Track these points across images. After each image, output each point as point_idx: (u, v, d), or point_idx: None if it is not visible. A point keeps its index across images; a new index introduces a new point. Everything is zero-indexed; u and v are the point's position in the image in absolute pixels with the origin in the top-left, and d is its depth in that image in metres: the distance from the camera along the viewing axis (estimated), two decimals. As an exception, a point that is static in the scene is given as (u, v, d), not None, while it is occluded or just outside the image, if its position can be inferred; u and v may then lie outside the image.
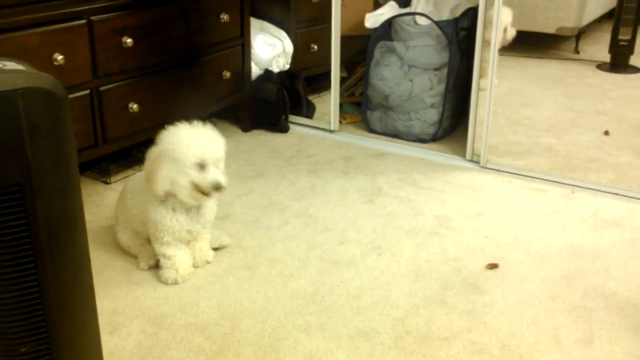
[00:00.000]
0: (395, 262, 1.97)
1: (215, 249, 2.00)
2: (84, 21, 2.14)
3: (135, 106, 2.36)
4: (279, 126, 2.97)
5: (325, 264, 1.96)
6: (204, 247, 1.92)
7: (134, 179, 1.94)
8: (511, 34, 2.84)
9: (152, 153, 1.75)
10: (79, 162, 2.24)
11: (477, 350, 1.59)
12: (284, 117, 2.98)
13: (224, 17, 2.68)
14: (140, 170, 2.45)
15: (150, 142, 2.57)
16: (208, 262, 1.94)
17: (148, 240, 1.90)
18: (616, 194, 2.40)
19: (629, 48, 3.97)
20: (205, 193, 1.73)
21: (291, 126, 3.02)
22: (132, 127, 2.39)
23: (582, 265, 1.96)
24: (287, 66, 3.14)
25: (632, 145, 2.85)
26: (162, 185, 1.72)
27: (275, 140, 2.90)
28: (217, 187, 1.72)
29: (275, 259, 1.98)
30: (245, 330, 1.66)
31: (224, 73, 2.75)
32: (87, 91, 2.21)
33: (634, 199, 2.36)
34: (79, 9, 2.13)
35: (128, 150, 2.53)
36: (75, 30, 2.12)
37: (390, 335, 1.64)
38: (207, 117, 2.89)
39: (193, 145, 1.70)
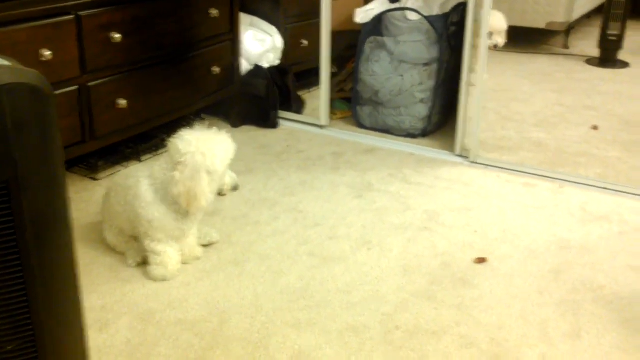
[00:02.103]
0: (385, 257, 1.97)
1: (205, 246, 1.99)
2: (72, 16, 2.13)
3: (123, 102, 2.35)
4: (269, 122, 2.97)
5: (315, 260, 1.96)
6: (192, 243, 1.92)
7: (118, 176, 1.93)
8: (502, 40, 2.85)
9: (185, 169, 1.70)
10: (67, 158, 2.24)
11: (465, 344, 1.60)
12: (273, 112, 2.97)
13: (214, 12, 2.67)
14: (128, 166, 2.44)
15: (139, 138, 2.58)
16: (197, 258, 1.94)
17: (134, 238, 1.89)
18: (604, 188, 2.41)
19: (618, 43, 3.99)
20: (221, 194, 1.81)
21: (281, 122, 3.02)
22: (120, 123, 2.38)
23: (570, 259, 1.97)
24: (277, 62, 3.13)
25: (620, 140, 2.86)
26: (206, 199, 1.73)
27: (265, 136, 2.89)
28: (236, 188, 1.82)
29: (264, 254, 1.98)
30: (235, 327, 1.66)
31: (213, 69, 2.75)
32: (75, 87, 2.20)
33: (622, 193, 2.37)
34: (67, 4, 2.11)
35: (117, 147, 2.52)
36: (63, 25, 2.11)
37: (379, 330, 1.65)
38: (196, 113, 2.88)
39: (219, 154, 1.72)
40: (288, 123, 3.02)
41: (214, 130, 1.77)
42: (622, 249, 2.02)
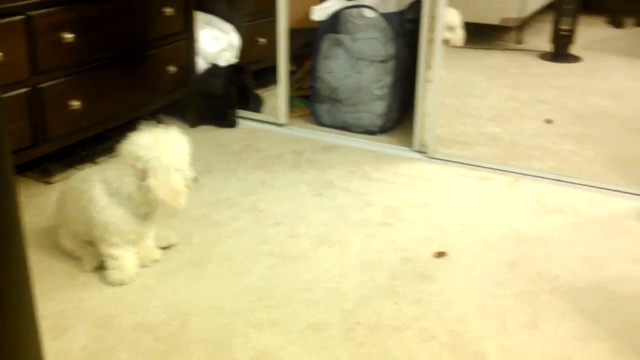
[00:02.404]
0: (345, 254, 1.98)
1: (164, 248, 1.97)
2: (22, 17, 2.07)
3: (77, 103, 2.30)
4: (227, 121, 2.95)
5: (275, 259, 1.95)
6: (150, 246, 1.89)
7: (73, 179, 1.89)
8: (459, 35, 2.89)
9: (158, 174, 1.69)
10: (19, 162, 2.18)
11: (426, 338, 1.62)
12: (231, 111, 2.95)
13: (168, 10, 2.64)
14: (83, 168, 2.39)
15: (94, 139, 2.52)
16: (156, 261, 1.91)
17: (90, 243, 1.86)
18: (558, 180, 2.46)
19: (570, 38, 4.08)
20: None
21: (240, 121, 3.00)
22: (74, 125, 2.33)
23: (527, 250, 2.01)
24: (235, 60, 3.11)
25: (573, 132, 2.93)
26: (184, 197, 1.72)
27: (224, 136, 2.87)
28: (196, 179, 1.80)
29: (224, 255, 1.96)
30: (195, 329, 1.64)
31: (168, 68, 2.71)
32: (26, 89, 2.14)
33: (575, 185, 2.43)
34: (17, 4, 2.06)
35: (71, 149, 2.46)
36: (13, 25, 2.05)
37: (340, 327, 1.65)
38: (152, 113, 2.84)
39: (179, 151, 1.73)
40: (247, 122, 3.01)
41: (163, 129, 1.76)
42: (576, 239, 2.07)
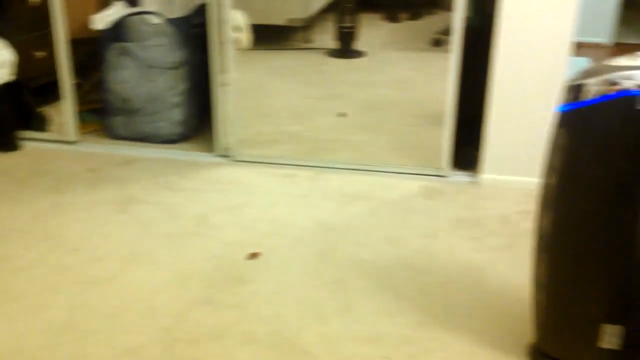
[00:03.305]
0: (157, 270, 1.90)
1: (-55, 294, 1.74)
2: None
3: None
4: (8, 144, 2.68)
5: (79, 287, 1.82)
6: None
7: None
8: (246, 37, 2.91)
9: None
10: None
11: (247, 341, 1.61)
12: (12, 133, 2.69)
13: None
14: None
15: None
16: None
17: None
18: (356, 169, 2.60)
19: (353, 34, 4.33)
20: None
21: (23, 142, 2.74)
22: None
23: (334, 240, 2.09)
24: (11, 77, 2.84)
25: (365, 124, 3.11)
26: None
27: (6, 161, 2.61)
28: None
29: (19, 291, 1.78)
30: (-7, 378, 1.47)
31: None
32: None
33: (372, 172, 2.58)
34: None
35: None
36: None
37: (159, 347, 1.58)
38: None
39: None
40: (32, 143, 2.76)
41: None
42: (378, 223, 2.20)
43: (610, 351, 1.40)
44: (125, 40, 2.74)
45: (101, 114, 2.85)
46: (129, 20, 2.72)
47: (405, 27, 5.17)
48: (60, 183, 2.43)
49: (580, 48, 4.25)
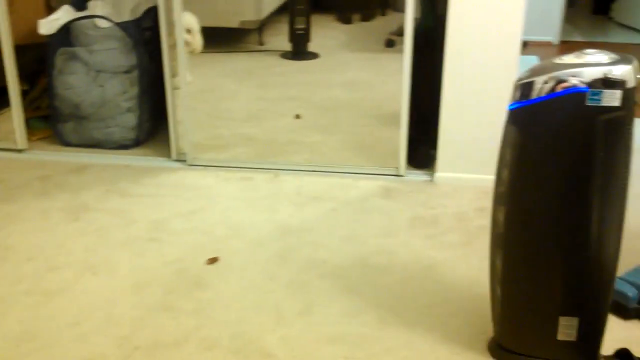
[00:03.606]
0: (113, 278, 1.87)
1: None
2: None
3: None
4: (-46, 153, 2.60)
5: (33, 297, 1.77)
6: None
7: None
8: (198, 40, 2.89)
9: None
10: None
11: (208, 347, 1.60)
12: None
13: None
14: None
15: None
16: None
17: None
18: (313, 170, 2.61)
19: (306, 36, 4.34)
20: None
21: (-31, 152, 2.66)
22: None
23: (294, 241, 2.09)
24: (-46, 84, 2.75)
25: (320, 125, 3.12)
26: None
27: (-48, 170, 2.53)
28: None
29: (-30, 305, 1.73)
30: (-56, 396, 1.42)
31: None
32: None
33: (330, 173, 2.59)
34: None
35: None
36: None
37: (118, 356, 1.56)
38: None
39: None
40: (-21, 152, 2.68)
41: None
42: (336, 223, 2.21)
43: (566, 343, 1.44)
44: (73, 45, 2.68)
45: (51, 120, 2.78)
46: (76, 24, 2.67)
47: (359, 29, 5.21)
48: (10, 192, 2.37)
49: (530, 47, 4.36)
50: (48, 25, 2.68)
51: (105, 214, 2.23)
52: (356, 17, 5.30)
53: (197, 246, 2.04)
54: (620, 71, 1.27)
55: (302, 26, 4.30)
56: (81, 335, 1.63)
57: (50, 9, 2.99)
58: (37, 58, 2.92)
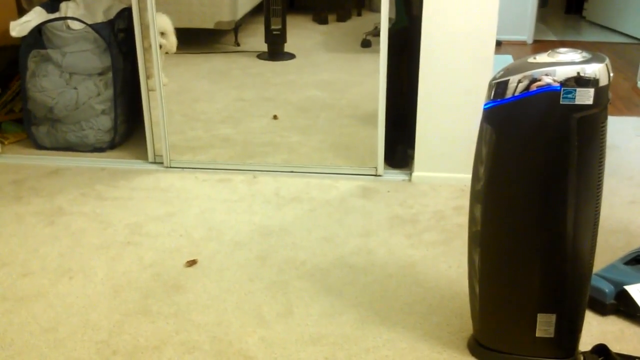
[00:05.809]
0: (90, 282, 1.85)
1: None
2: None
3: None
4: None
5: (8, 303, 1.74)
6: None
7: None
8: (172, 41, 2.87)
9: None
10: None
11: (188, 350, 1.58)
12: None
13: None
14: None
15: None
16: None
17: None
18: (292, 171, 2.60)
19: (282, 37, 4.32)
20: None
21: (-59, 156, 2.61)
22: None
23: (273, 243, 2.08)
24: None
25: (298, 125, 3.12)
26: None
27: None
28: None
29: (-57, 313, 1.69)
30: None
31: None
32: None
33: (307, 174, 2.59)
34: None
35: None
36: None
37: (95, 362, 1.54)
38: None
39: None
40: (-50, 156, 2.63)
41: None
42: (314, 224, 2.21)
43: (544, 339, 1.46)
44: (45, 47, 2.64)
45: (24, 123, 2.74)
46: (48, 26, 2.63)
47: (334, 29, 5.21)
48: (-18, 197, 2.33)
49: (504, 46, 4.41)
50: (19, 28, 2.63)
51: (81, 217, 2.20)
52: (332, 17, 5.30)
53: (175, 249, 2.03)
54: (593, 69, 1.28)
55: (278, 27, 4.28)
56: (58, 341, 1.60)
57: (21, 11, 2.95)
58: (9, 60, 2.87)
